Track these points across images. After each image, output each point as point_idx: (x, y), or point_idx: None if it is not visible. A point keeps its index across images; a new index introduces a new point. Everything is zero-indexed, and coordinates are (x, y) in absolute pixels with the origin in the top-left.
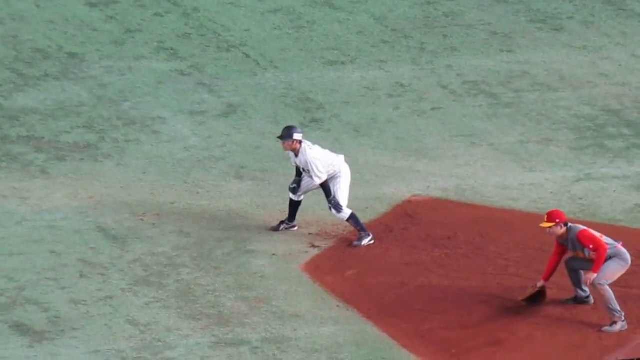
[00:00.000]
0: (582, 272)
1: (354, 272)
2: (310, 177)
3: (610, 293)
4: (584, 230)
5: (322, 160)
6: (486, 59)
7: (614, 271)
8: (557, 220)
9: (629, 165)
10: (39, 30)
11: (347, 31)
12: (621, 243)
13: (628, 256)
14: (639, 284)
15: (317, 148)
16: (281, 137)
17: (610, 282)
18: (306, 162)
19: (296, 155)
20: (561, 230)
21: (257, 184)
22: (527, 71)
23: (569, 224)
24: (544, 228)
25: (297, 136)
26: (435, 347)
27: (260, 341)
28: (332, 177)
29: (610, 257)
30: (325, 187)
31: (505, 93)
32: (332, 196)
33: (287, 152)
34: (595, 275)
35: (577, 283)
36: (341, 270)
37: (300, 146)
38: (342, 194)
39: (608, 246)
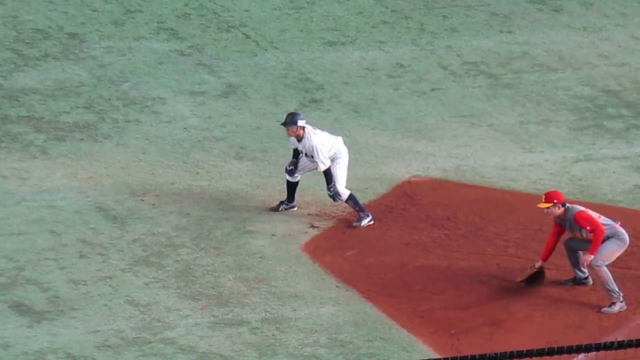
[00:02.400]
0: (580, 252)
1: (353, 252)
2: (312, 161)
3: (607, 274)
4: (582, 211)
5: (326, 145)
6: (486, 40)
7: (611, 252)
8: (555, 201)
9: (629, 146)
10: (39, 10)
11: (347, 12)
12: (619, 223)
13: (626, 236)
14: (638, 265)
15: (319, 132)
16: (285, 124)
17: (608, 262)
18: (311, 148)
19: (299, 141)
20: (559, 210)
21: (257, 164)
22: (527, 52)
23: (567, 205)
24: (542, 208)
25: (300, 123)
26: (435, 327)
27: (259, 321)
28: (331, 159)
29: (608, 238)
30: (328, 173)
31: (504, 74)
32: (332, 183)
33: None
34: (592, 256)
35: (576, 263)
36: (341, 251)
37: (304, 132)
38: (341, 175)
39: (605, 227)
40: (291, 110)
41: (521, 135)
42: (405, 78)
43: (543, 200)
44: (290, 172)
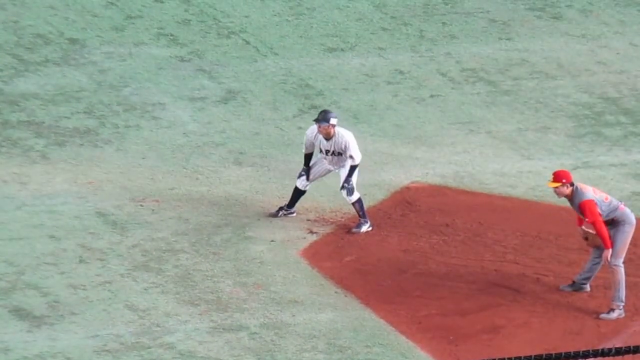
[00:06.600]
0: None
1: (352, 258)
2: (337, 159)
3: (622, 277)
4: (589, 201)
5: (355, 142)
6: (485, 47)
7: (624, 243)
8: (564, 181)
9: (627, 153)
10: (40, 15)
11: (346, 18)
12: (623, 203)
13: (632, 216)
14: (636, 272)
15: (347, 130)
16: (317, 120)
17: (623, 256)
18: (344, 144)
19: (327, 139)
20: (567, 190)
21: (256, 170)
22: (526, 59)
23: (576, 185)
24: (551, 188)
25: (333, 121)
26: (433, 333)
27: (258, 327)
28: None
29: (618, 223)
30: (354, 168)
31: (503, 81)
32: (351, 178)
33: (311, 138)
34: (610, 250)
35: (590, 269)
36: (339, 257)
37: (334, 130)
38: (353, 178)
39: (616, 210)
40: (290, 116)
41: (520, 142)
42: (404, 84)
43: (552, 179)
44: (303, 180)
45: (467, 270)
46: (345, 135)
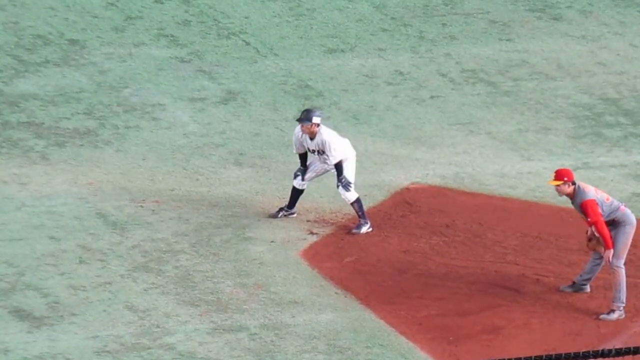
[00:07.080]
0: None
1: (352, 259)
2: (324, 158)
3: (623, 278)
4: (591, 201)
5: (336, 141)
6: (485, 48)
7: (625, 244)
8: (565, 179)
9: (627, 154)
10: (40, 16)
11: (346, 19)
12: (624, 204)
13: (633, 217)
14: (636, 273)
15: (329, 130)
16: (300, 120)
17: (624, 257)
18: (322, 142)
19: (311, 139)
20: (569, 188)
21: (256, 170)
22: (526, 60)
23: (578, 184)
24: (552, 186)
25: (315, 119)
26: (433, 334)
27: (258, 327)
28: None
29: (620, 224)
30: (338, 166)
31: (503, 82)
32: (343, 175)
33: (298, 137)
34: (612, 250)
35: (591, 270)
36: (339, 257)
37: (318, 129)
38: (349, 176)
39: (616, 211)
40: (290, 117)
41: (520, 143)
42: (404, 85)
43: (553, 178)
44: (299, 178)
45: (467, 271)
46: (323, 134)
